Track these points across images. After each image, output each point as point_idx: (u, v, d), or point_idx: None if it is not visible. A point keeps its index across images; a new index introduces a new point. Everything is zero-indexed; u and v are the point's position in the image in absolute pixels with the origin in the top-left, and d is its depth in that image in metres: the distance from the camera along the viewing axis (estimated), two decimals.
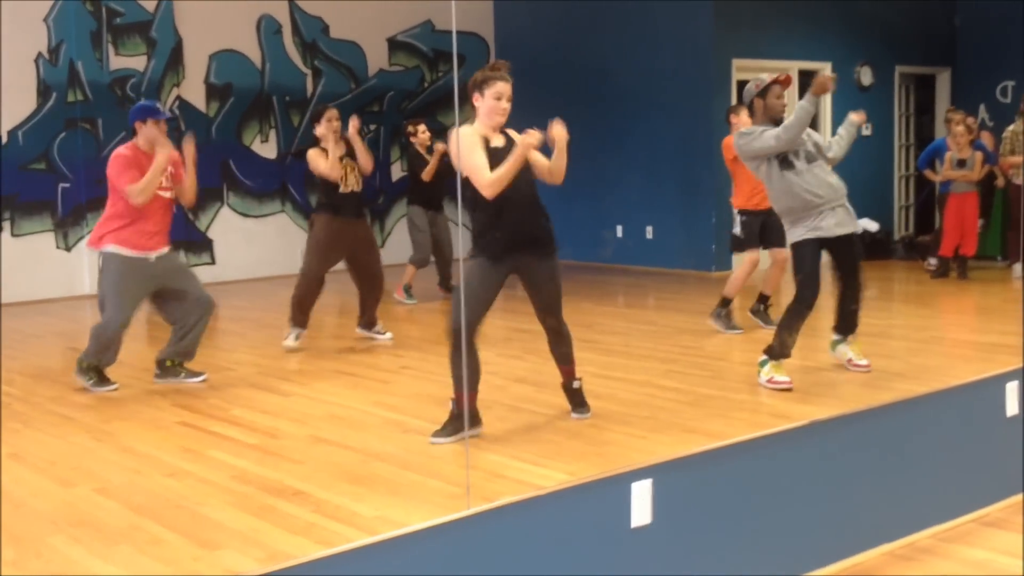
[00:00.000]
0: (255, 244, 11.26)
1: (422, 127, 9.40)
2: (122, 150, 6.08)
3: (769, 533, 3.60)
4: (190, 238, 10.81)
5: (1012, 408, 4.61)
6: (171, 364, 6.23)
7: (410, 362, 6.77)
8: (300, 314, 7.22)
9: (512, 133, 4.99)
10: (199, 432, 5.15)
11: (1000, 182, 10.41)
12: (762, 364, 5.72)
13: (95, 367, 6.07)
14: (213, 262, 10.95)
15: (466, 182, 4.86)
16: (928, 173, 10.79)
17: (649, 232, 11.29)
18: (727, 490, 3.43)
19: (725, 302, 7.40)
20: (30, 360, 7.27)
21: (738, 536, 3.47)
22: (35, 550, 3.67)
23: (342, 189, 7.22)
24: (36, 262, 10.01)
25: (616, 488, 3.06)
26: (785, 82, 5.83)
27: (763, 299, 7.51)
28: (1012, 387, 4.60)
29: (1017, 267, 9.81)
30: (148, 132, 6.10)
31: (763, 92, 5.79)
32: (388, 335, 7.42)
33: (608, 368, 6.33)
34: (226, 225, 11.01)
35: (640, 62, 11.01)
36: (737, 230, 7.51)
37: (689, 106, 10.67)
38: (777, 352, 5.69)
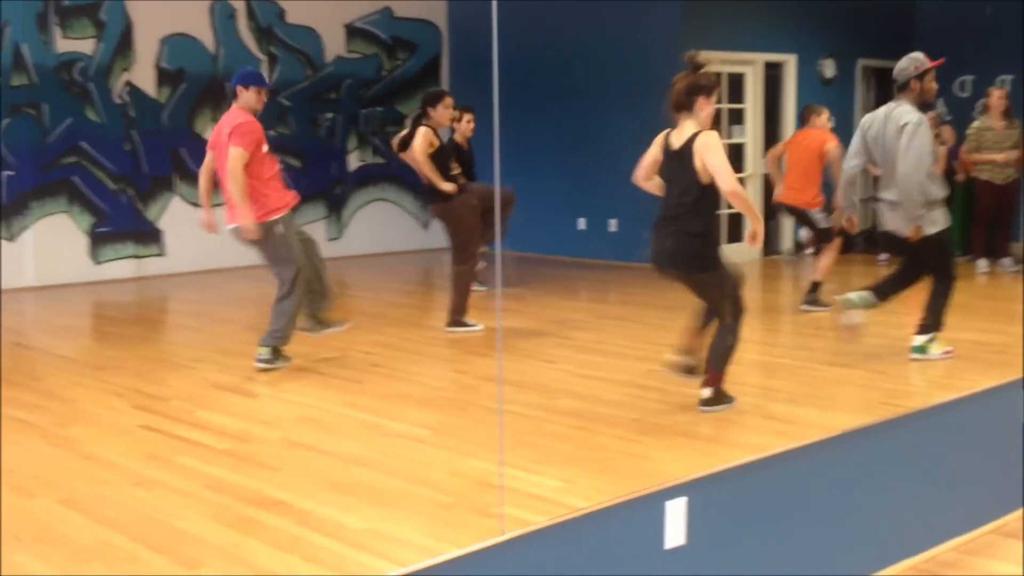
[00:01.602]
0: (207, 235, 10.81)
1: (469, 116, 9.03)
2: (245, 117, 6.06)
3: (796, 549, 3.45)
4: (139, 228, 10.42)
5: None
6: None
7: (380, 360, 6.53)
8: None
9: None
10: (164, 436, 4.87)
11: (960, 176, 10.40)
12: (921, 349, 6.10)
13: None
14: (163, 254, 10.57)
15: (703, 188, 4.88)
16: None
17: (613, 225, 11.12)
18: (759, 506, 3.27)
19: (815, 287, 7.90)
20: None
21: (767, 555, 3.31)
22: None
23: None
24: None
25: (649, 508, 2.87)
26: (938, 64, 5.98)
27: (816, 288, 7.91)
28: None
29: (982, 262, 9.81)
30: (249, 99, 6.11)
31: (922, 75, 5.90)
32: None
33: (586, 367, 6.16)
34: (177, 216, 10.62)
35: (604, 52, 10.83)
36: (824, 224, 8.02)
37: (654, 97, 10.46)
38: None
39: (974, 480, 4.21)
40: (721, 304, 5.04)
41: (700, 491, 3.05)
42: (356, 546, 3.53)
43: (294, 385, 5.83)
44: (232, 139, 5.93)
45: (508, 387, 5.69)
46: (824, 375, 5.91)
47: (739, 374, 5.82)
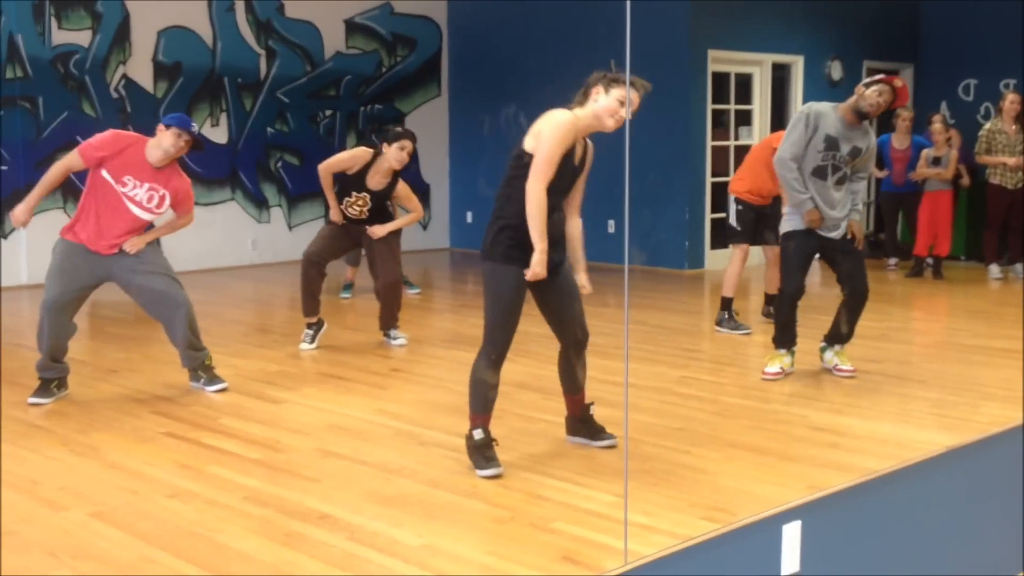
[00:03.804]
0: (203, 234, 10.62)
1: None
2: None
3: (912, 571, 3.32)
4: None
5: None
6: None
7: (399, 364, 6.35)
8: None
9: None
10: (191, 445, 4.66)
11: (965, 181, 10.33)
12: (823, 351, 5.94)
13: None
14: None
15: None
16: (873, 170, 10.72)
17: (611, 227, 10.95)
18: (870, 529, 3.12)
19: (726, 303, 7.12)
20: None
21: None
22: None
23: (343, 206, 6.79)
24: None
25: (765, 532, 2.71)
26: (901, 92, 5.69)
27: (771, 300, 7.23)
28: None
29: (994, 268, 9.73)
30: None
31: (871, 83, 5.64)
32: (401, 340, 6.87)
33: (614, 373, 5.97)
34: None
35: (612, 53, 10.65)
36: (732, 220, 7.19)
37: (663, 96, 10.35)
38: None
39: None
40: None
41: (811, 514, 2.89)
42: (414, 563, 3.35)
43: (316, 391, 5.63)
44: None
45: (536, 395, 5.54)
46: (863, 383, 5.77)
47: (764, 381, 5.71)
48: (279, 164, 11.18)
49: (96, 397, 5.50)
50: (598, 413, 4.67)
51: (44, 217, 9.58)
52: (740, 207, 7.14)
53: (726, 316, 7.14)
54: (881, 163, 10.41)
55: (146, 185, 5.35)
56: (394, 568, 3.32)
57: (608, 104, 4.22)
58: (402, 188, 6.93)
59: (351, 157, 6.76)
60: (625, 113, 4.17)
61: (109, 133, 5.41)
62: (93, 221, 5.35)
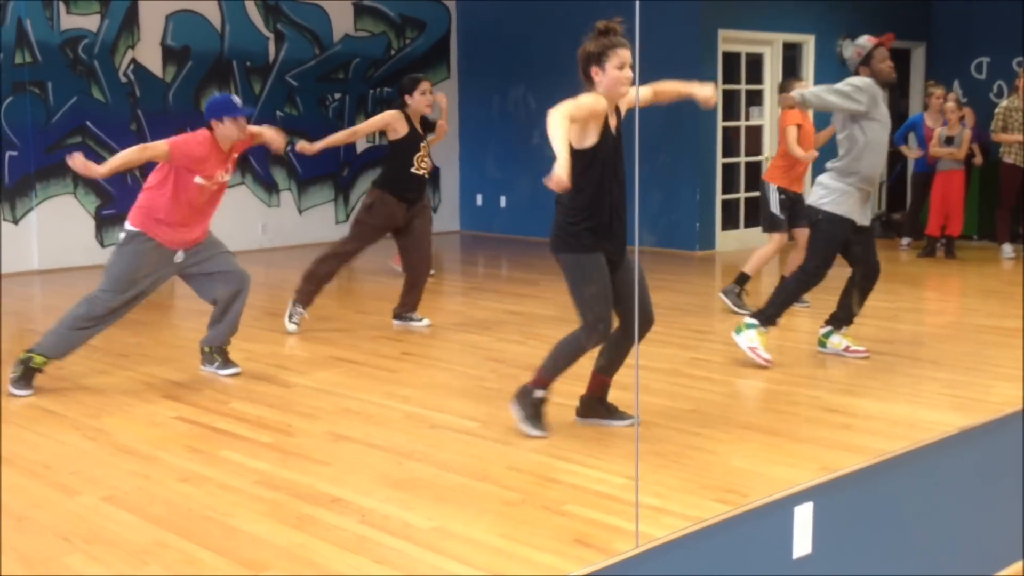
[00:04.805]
0: (213, 218, 10.60)
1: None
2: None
3: (917, 551, 3.31)
4: None
5: None
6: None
7: (410, 347, 6.34)
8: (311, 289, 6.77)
9: None
10: (202, 429, 4.67)
11: (978, 160, 10.26)
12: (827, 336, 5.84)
13: None
14: None
15: None
16: (904, 149, 10.65)
17: None
18: (882, 510, 3.11)
19: (742, 279, 7.16)
20: None
21: (891, 558, 3.16)
22: (50, 572, 3.20)
23: (414, 169, 6.71)
24: None
25: (777, 514, 2.70)
26: (887, 40, 5.61)
27: (742, 279, 7.29)
28: None
29: (1007, 247, 9.69)
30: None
31: (867, 59, 5.56)
32: (425, 321, 6.89)
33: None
34: None
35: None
36: (776, 208, 7.24)
37: (674, 77, 10.28)
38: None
39: None
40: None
41: (823, 495, 2.88)
42: (426, 546, 3.35)
43: (327, 375, 5.63)
44: None
45: None
46: (874, 364, 5.75)
47: (775, 362, 5.68)
48: (288, 148, 11.14)
49: (107, 382, 5.51)
50: (610, 395, 4.67)
51: (55, 202, 9.64)
52: (782, 196, 7.22)
53: (736, 290, 7.18)
54: (915, 143, 10.33)
55: (229, 164, 5.47)
56: (405, 551, 3.32)
57: (612, 77, 4.22)
58: (440, 125, 7.07)
59: (384, 120, 6.73)
60: (628, 72, 4.23)
61: (201, 139, 5.31)
62: (177, 218, 5.34)
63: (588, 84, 4.33)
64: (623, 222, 4.42)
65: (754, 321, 5.66)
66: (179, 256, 5.46)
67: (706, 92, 4.64)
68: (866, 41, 5.63)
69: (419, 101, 6.65)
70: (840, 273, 5.90)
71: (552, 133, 4.08)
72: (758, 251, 7.31)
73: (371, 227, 6.75)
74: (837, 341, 5.84)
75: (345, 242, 6.85)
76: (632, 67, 4.24)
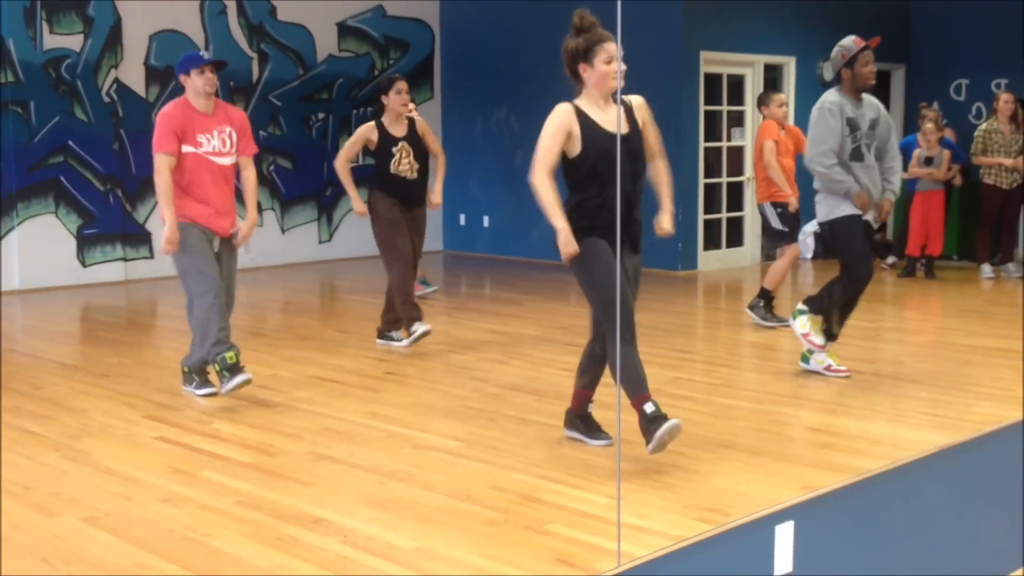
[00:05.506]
0: None
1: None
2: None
3: (904, 571, 3.33)
4: (128, 230, 10.16)
5: None
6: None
7: (393, 367, 6.34)
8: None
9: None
10: (184, 449, 4.66)
11: (958, 181, 10.34)
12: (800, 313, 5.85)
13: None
14: (152, 256, 10.30)
15: None
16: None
17: None
18: (863, 529, 3.12)
19: (765, 293, 7.30)
20: None
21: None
22: None
23: (394, 172, 6.76)
24: None
25: (759, 533, 2.71)
26: (873, 43, 5.68)
27: (766, 294, 7.34)
28: None
29: (986, 267, 9.75)
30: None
31: (851, 61, 5.62)
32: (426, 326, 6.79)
33: (605, 374, 5.97)
34: None
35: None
36: (777, 223, 7.38)
37: (656, 98, 10.34)
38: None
39: None
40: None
41: (804, 514, 2.89)
42: (408, 566, 3.35)
43: (310, 394, 5.62)
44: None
45: (528, 396, 5.54)
46: (856, 383, 5.77)
47: (757, 382, 5.71)
48: (272, 167, 11.16)
49: (88, 402, 5.48)
50: (595, 415, 4.69)
51: (36, 222, 9.61)
52: (779, 210, 7.35)
53: (762, 303, 7.30)
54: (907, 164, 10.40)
55: (215, 132, 5.45)
56: (388, 571, 3.31)
57: (600, 72, 4.29)
58: (421, 125, 7.00)
59: (360, 136, 6.78)
60: (616, 66, 4.27)
61: (161, 116, 5.39)
62: (198, 195, 5.43)
63: (575, 80, 4.37)
64: (633, 218, 4.41)
65: (804, 307, 5.81)
66: (216, 244, 5.55)
67: (666, 222, 4.67)
68: (851, 43, 5.69)
69: (394, 100, 6.70)
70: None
71: (543, 202, 4.25)
72: (774, 266, 7.48)
73: (387, 226, 6.76)
74: (821, 359, 5.85)
75: (389, 267, 6.82)
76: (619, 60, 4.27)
